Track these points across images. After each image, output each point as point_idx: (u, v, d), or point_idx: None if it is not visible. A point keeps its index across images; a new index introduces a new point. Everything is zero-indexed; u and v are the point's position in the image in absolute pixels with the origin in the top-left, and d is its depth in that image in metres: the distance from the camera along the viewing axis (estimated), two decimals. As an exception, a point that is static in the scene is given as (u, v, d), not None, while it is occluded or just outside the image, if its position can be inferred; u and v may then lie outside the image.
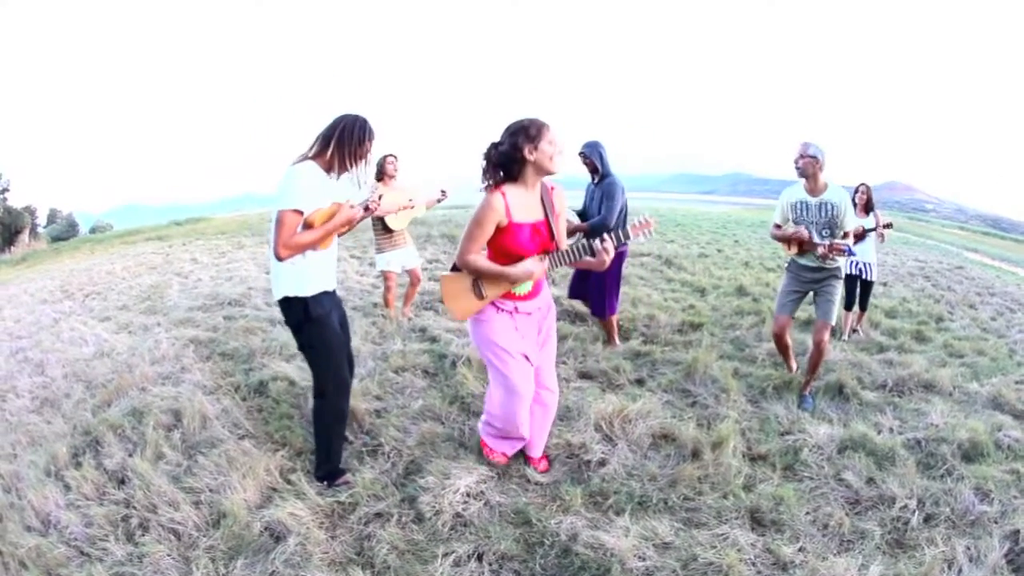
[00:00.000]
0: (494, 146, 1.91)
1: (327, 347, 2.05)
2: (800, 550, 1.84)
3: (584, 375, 3.31)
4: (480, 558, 1.76)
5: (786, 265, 3.22)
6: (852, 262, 4.40)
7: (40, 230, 30.08)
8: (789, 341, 3.28)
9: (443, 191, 4.22)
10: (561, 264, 2.02)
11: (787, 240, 3.02)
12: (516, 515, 1.97)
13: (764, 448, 2.48)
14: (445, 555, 1.73)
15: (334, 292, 2.14)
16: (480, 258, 1.95)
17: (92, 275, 8.50)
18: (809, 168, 2.89)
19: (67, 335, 4.70)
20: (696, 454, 2.35)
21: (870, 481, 2.23)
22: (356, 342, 3.83)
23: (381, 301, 4.94)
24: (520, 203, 1.92)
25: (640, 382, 3.25)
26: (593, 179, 3.53)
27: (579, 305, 4.45)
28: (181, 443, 2.48)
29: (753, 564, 1.77)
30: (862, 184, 4.48)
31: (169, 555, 1.73)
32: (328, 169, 2.00)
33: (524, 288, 2.02)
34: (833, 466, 2.34)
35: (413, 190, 4.15)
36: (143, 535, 1.85)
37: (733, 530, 1.89)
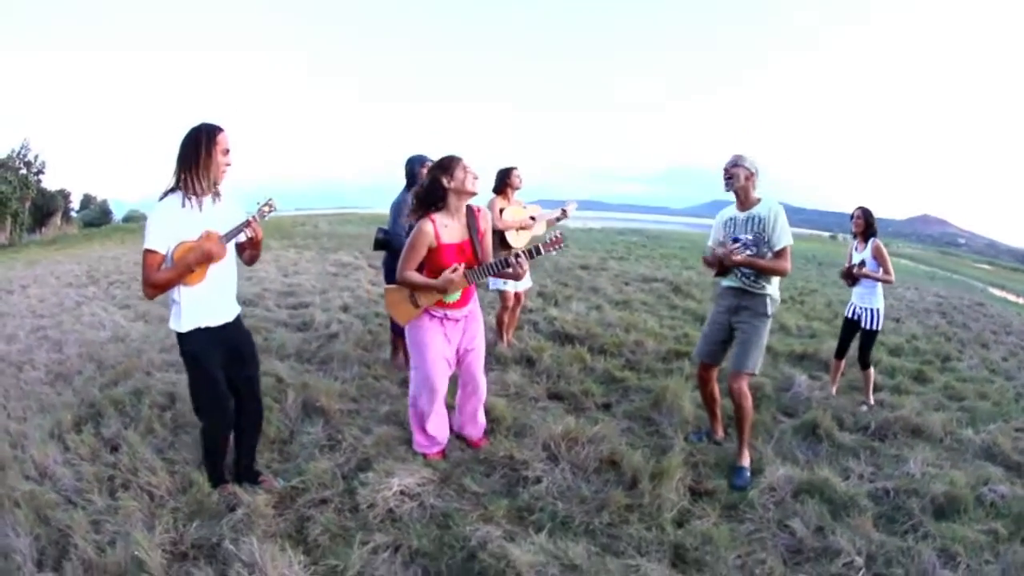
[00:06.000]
0: (420, 186, 2.48)
1: (196, 383, 2.24)
2: (716, 595, 1.85)
3: (554, 395, 3.60)
4: (396, 550, 2.04)
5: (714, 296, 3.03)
6: (851, 307, 4.00)
7: (73, 214, 32.60)
8: (716, 394, 3.10)
9: (564, 210, 4.16)
10: (480, 277, 2.51)
11: (711, 264, 2.91)
12: (443, 518, 2.23)
13: (712, 484, 2.57)
14: (366, 543, 2.02)
15: (226, 326, 2.23)
16: (413, 274, 2.49)
17: (119, 263, 9.49)
18: (736, 181, 2.79)
19: (87, 318, 5.42)
20: (635, 482, 2.47)
21: (818, 531, 2.23)
22: (348, 347, 4.29)
23: (383, 312, 5.37)
24: (448, 227, 2.47)
25: (607, 407, 3.49)
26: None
27: (568, 325, 4.77)
28: (171, 422, 2.99)
29: (660, 602, 1.81)
30: (857, 209, 3.92)
31: (140, 511, 2.17)
32: (189, 196, 2.04)
33: (453, 297, 2.55)
34: (782, 510, 2.37)
35: (535, 207, 4.15)
36: (123, 492, 2.30)
37: (649, 563, 1.96)
